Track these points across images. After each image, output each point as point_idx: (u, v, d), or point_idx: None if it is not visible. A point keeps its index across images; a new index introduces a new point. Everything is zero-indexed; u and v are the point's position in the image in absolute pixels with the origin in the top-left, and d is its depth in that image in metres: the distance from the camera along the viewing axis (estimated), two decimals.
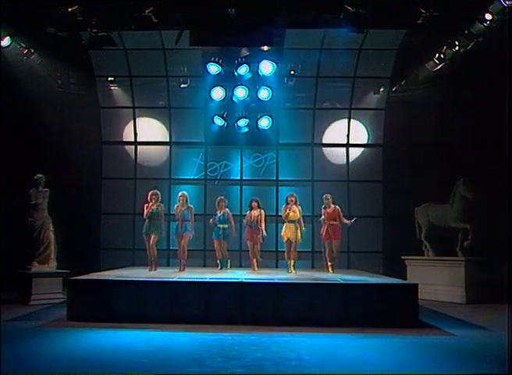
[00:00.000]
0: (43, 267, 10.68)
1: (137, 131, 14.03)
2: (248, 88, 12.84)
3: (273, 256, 12.94)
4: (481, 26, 10.74)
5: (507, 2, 10.02)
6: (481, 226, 11.33)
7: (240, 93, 12.88)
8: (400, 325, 7.76)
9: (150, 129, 14.18)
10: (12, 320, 8.20)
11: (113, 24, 11.20)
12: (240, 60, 12.47)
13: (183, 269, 10.54)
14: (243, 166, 14.10)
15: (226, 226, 10.88)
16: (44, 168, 11.37)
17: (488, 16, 10.51)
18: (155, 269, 10.43)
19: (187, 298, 8.09)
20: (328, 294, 8.18)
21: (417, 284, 8.40)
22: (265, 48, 12.18)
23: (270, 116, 13.32)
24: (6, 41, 11.12)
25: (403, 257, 12.36)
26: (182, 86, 13.73)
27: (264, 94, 12.88)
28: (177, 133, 14.11)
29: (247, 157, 14.17)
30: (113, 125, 14.04)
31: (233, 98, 13.03)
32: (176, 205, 10.81)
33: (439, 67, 12.60)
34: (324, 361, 5.92)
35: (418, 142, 13.53)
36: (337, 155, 14.14)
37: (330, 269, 10.62)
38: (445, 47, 12.05)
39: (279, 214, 11.21)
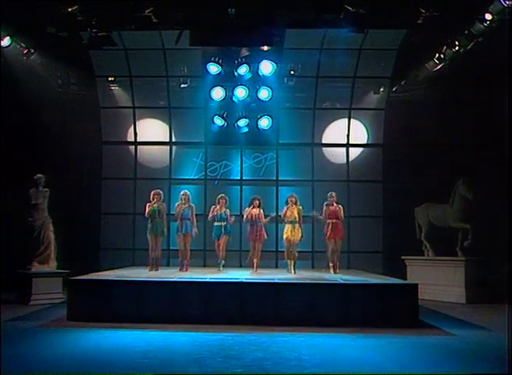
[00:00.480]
0: (43, 267, 10.68)
1: (137, 131, 14.03)
2: (248, 88, 12.83)
3: (273, 256, 12.93)
4: (481, 26, 10.74)
5: (507, 2, 10.02)
6: (481, 226, 11.34)
7: (240, 93, 12.87)
8: (400, 325, 7.76)
9: (150, 129, 14.17)
10: (12, 320, 8.20)
11: (113, 24, 11.20)
12: (239, 60, 12.46)
13: (186, 270, 10.55)
14: (243, 166, 14.10)
15: (225, 223, 10.68)
16: (44, 168, 11.37)
17: (488, 16, 10.52)
18: (156, 270, 10.43)
19: (187, 298, 8.09)
20: (328, 294, 8.18)
21: (417, 284, 8.40)
22: (265, 48, 12.17)
23: (270, 116, 13.32)
24: (6, 41, 11.12)
25: (403, 257, 12.37)
26: (182, 86, 13.73)
27: (264, 94, 12.88)
28: (177, 133, 14.11)
29: (247, 157, 14.16)
30: (113, 125, 14.03)
31: (233, 98, 13.02)
32: (176, 204, 10.81)
33: (439, 67, 12.60)
34: (324, 361, 5.93)
35: (418, 142, 13.54)
36: (337, 155, 14.14)
37: (332, 269, 10.53)
38: (445, 47, 12.06)
39: (280, 214, 11.18)
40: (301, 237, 10.46)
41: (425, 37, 11.83)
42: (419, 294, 8.31)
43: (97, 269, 11.06)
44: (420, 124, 13.37)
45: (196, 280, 8.75)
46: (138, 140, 14.09)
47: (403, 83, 13.78)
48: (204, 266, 12.90)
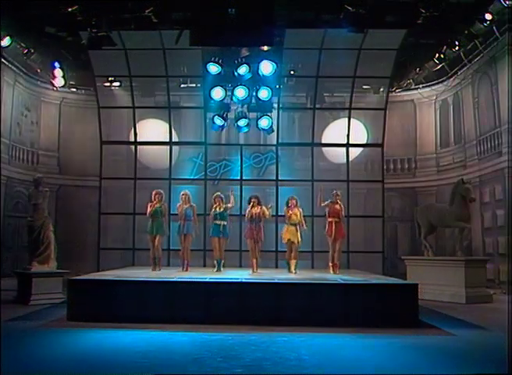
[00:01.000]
0: (43, 267, 10.67)
1: (137, 131, 14.03)
2: (248, 88, 12.83)
3: (273, 256, 12.93)
4: (481, 26, 10.76)
5: (507, 2, 10.04)
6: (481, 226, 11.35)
7: (240, 93, 12.85)
8: (400, 325, 7.75)
9: (150, 129, 14.17)
10: (12, 320, 8.19)
11: (113, 24, 11.22)
12: (239, 60, 12.45)
13: (187, 269, 10.55)
14: (243, 166, 14.09)
15: (225, 222, 10.61)
16: (44, 168, 11.38)
17: (488, 16, 10.53)
18: (159, 270, 10.44)
19: (187, 298, 8.08)
20: (328, 294, 8.17)
21: (417, 284, 8.39)
22: (265, 48, 12.17)
23: (270, 116, 13.32)
24: (6, 41, 11.14)
25: (403, 257, 12.37)
26: (182, 86, 13.73)
27: (264, 94, 12.86)
28: (177, 134, 14.11)
29: (247, 157, 14.16)
30: (113, 125, 14.03)
31: (233, 98, 13.02)
32: (178, 204, 10.81)
33: (438, 67, 12.62)
34: (324, 361, 5.92)
35: (418, 142, 13.55)
36: (337, 155, 14.14)
37: (331, 269, 10.42)
38: (445, 47, 12.07)
39: (279, 214, 11.17)
40: (301, 240, 10.44)
41: (425, 37, 11.85)
42: (419, 294, 8.30)
43: (97, 269, 11.06)
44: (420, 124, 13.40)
45: (196, 280, 8.74)
46: (138, 140, 14.09)
47: (403, 83, 13.79)
48: (204, 266, 12.89)
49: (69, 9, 10.35)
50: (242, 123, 13.42)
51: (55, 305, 9.76)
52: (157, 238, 10.45)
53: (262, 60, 12.47)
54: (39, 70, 12.75)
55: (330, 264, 10.55)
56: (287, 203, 10.51)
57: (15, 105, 14.03)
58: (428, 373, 5.46)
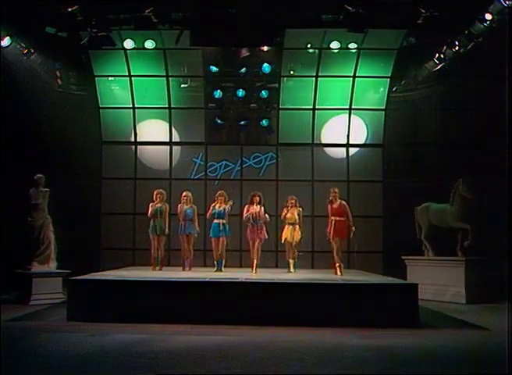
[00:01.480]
0: (43, 267, 10.67)
1: (137, 131, 14.02)
2: (248, 88, 12.85)
3: (273, 256, 12.93)
4: (481, 26, 10.75)
5: (507, 2, 10.04)
6: (481, 226, 11.32)
7: (240, 93, 12.88)
8: (400, 325, 7.74)
9: (150, 129, 14.16)
10: (12, 320, 8.19)
11: (113, 24, 11.22)
12: (239, 60, 12.48)
13: (189, 269, 10.56)
14: (243, 165, 14.09)
15: (225, 221, 10.55)
16: (44, 168, 11.36)
17: (488, 16, 10.53)
18: (160, 269, 10.44)
19: (187, 298, 8.08)
20: (328, 294, 8.17)
21: (417, 284, 8.39)
22: (265, 48, 12.19)
23: (270, 116, 13.31)
24: (6, 41, 11.13)
25: (403, 257, 12.35)
26: (182, 86, 13.73)
27: (264, 93, 12.89)
28: (177, 133, 14.10)
29: (247, 157, 14.16)
30: (113, 125, 14.02)
31: (233, 98, 13.03)
32: (179, 205, 10.83)
33: (439, 67, 12.61)
34: (324, 361, 5.92)
35: (418, 142, 13.53)
36: (337, 155, 14.13)
37: (339, 270, 10.12)
38: (445, 47, 12.06)
39: (279, 215, 11.13)
40: (301, 238, 10.44)
41: (425, 37, 11.85)
42: (419, 294, 8.30)
43: (97, 269, 11.05)
44: (420, 124, 13.38)
45: (196, 280, 8.74)
46: (138, 140, 14.09)
47: (403, 83, 13.78)
48: (204, 266, 12.89)
49: (69, 9, 10.35)
50: (242, 122, 13.44)
51: (54, 305, 9.76)
52: (159, 238, 10.47)
53: (262, 60, 12.50)
54: (39, 70, 12.71)
55: (337, 265, 10.20)
56: (286, 203, 10.51)
57: None
58: (428, 373, 5.46)
